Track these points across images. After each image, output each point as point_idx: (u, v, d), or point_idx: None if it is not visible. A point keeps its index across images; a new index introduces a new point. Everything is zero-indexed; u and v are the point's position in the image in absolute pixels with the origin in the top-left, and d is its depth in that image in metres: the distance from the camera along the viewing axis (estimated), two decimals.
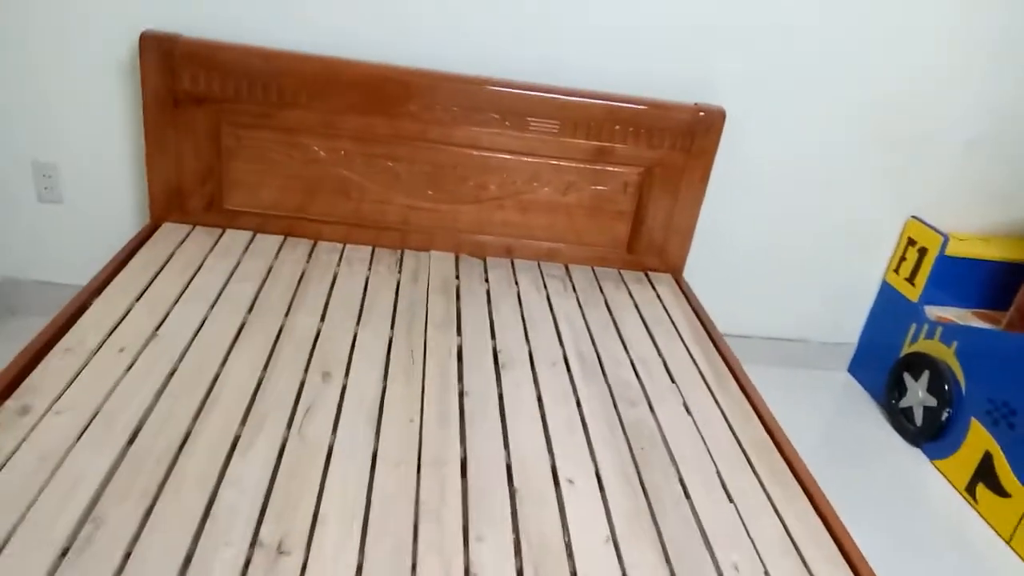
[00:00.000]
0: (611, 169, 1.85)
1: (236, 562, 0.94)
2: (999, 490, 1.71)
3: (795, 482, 1.26)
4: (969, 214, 2.07)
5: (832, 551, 1.12)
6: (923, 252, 2.01)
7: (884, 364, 2.12)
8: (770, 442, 1.36)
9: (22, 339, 1.85)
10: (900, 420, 2.03)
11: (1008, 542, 1.68)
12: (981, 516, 1.76)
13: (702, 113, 1.82)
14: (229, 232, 1.80)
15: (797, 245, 2.13)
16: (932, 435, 1.92)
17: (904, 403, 2.03)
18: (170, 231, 1.76)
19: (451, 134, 1.77)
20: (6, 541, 0.91)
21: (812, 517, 1.19)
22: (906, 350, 2.05)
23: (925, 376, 1.95)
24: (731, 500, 1.20)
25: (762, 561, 1.08)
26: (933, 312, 2.00)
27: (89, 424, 1.12)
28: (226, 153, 1.75)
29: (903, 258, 2.09)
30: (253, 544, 0.97)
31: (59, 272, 1.91)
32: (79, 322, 1.36)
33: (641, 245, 1.94)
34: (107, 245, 1.87)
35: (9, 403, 1.13)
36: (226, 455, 1.11)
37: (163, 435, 1.12)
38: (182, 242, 1.72)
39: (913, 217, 2.07)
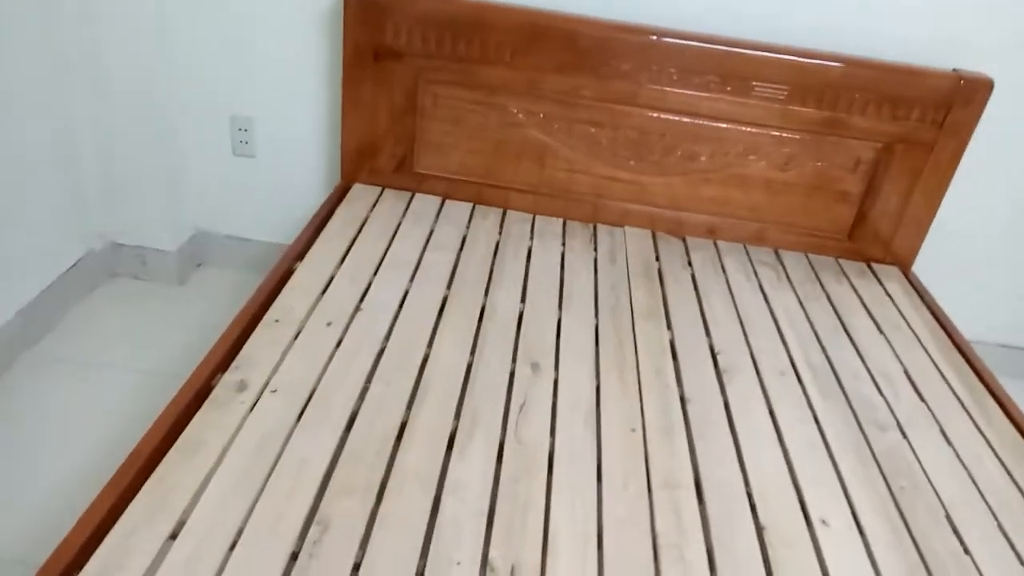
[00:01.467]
0: (842, 143, 1.62)
1: None
2: None
3: None
4: None
5: None
6: None
7: None
8: None
9: (210, 290, 1.88)
10: None
11: None
12: None
13: (963, 81, 1.54)
14: (419, 196, 1.72)
15: None
16: None
17: None
18: (362, 193, 1.70)
19: (664, 98, 1.59)
20: (239, 534, 0.87)
21: None
22: None
23: None
24: (1014, 550, 1.00)
25: None
26: None
27: (306, 406, 1.06)
28: (421, 112, 1.66)
29: None
30: (484, 566, 0.88)
31: (248, 228, 1.90)
32: (285, 290, 1.31)
33: (866, 232, 1.70)
34: (296, 203, 1.84)
35: (227, 376, 1.10)
36: (444, 453, 1.03)
37: (379, 423, 1.05)
38: (375, 205, 1.66)
39: None
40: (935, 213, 1.66)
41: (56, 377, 1.56)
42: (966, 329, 1.61)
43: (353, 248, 1.47)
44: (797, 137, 1.62)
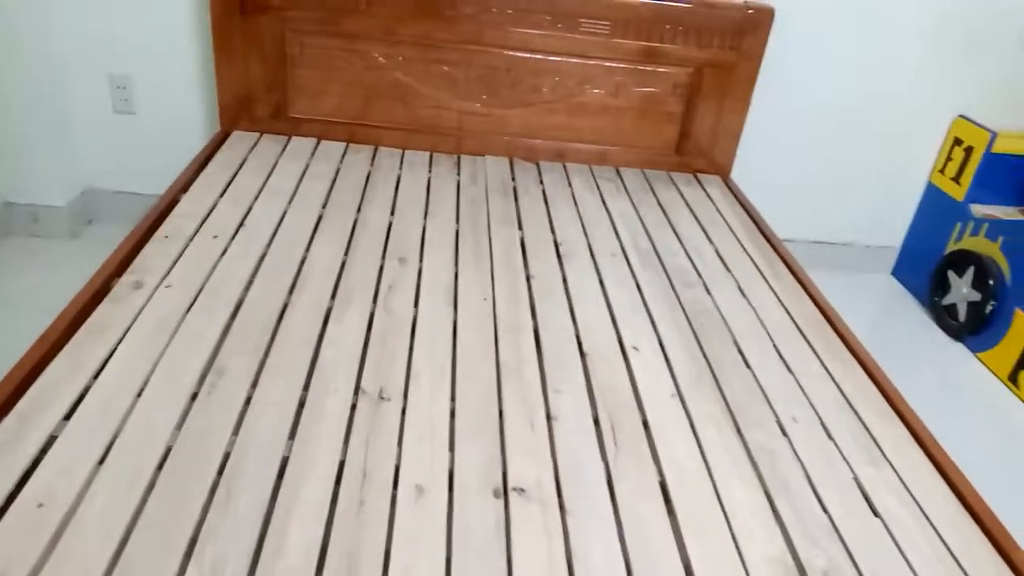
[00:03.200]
0: (661, 70, 1.89)
1: (344, 406, 1.05)
2: None
3: (849, 354, 1.34)
4: (1018, 112, 2.08)
5: (885, 408, 1.21)
6: (969, 151, 2.03)
7: (927, 265, 2.17)
8: (823, 320, 1.43)
9: (102, 246, 1.97)
10: (943, 317, 2.09)
11: None
12: (1021, 400, 1.83)
13: (750, 11, 1.84)
14: (295, 139, 1.88)
15: (842, 148, 2.16)
16: (975, 329, 1.97)
17: (947, 300, 2.08)
18: (240, 138, 1.85)
19: (506, 37, 1.82)
20: (143, 386, 1.03)
21: (866, 383, 1.27)
22: (951, 248, 2.09)
23: (970, 272, 2.00)
24: (788, 368, 1.28)
25: (819, 416, 1.17)
26: (979, 210, 2.03)
27: (197, 296, 1.23)
28: (290, 61, 1.82)
29: (949, 158, 2.11)
30: (357, 392, 1.08)
31: (134, 182, 2.01)
32: (173, 213, 1.46)
33: (690, 147, 1.99)
34: (179, 154, 1.95)
35: (123, 279, 1.25)
36: (322, 323, 1.22)
37: (264, 306, 1.23)
38: (253, 147, 1.81)
39: (960, 116, 2.08)
40: (743, 126, 1.96)
41: None
42: (779, 228, 1.91)
43: (234, 181, 1.63)
44: (623, 66, 1.89)
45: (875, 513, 1.00)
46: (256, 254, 1.37)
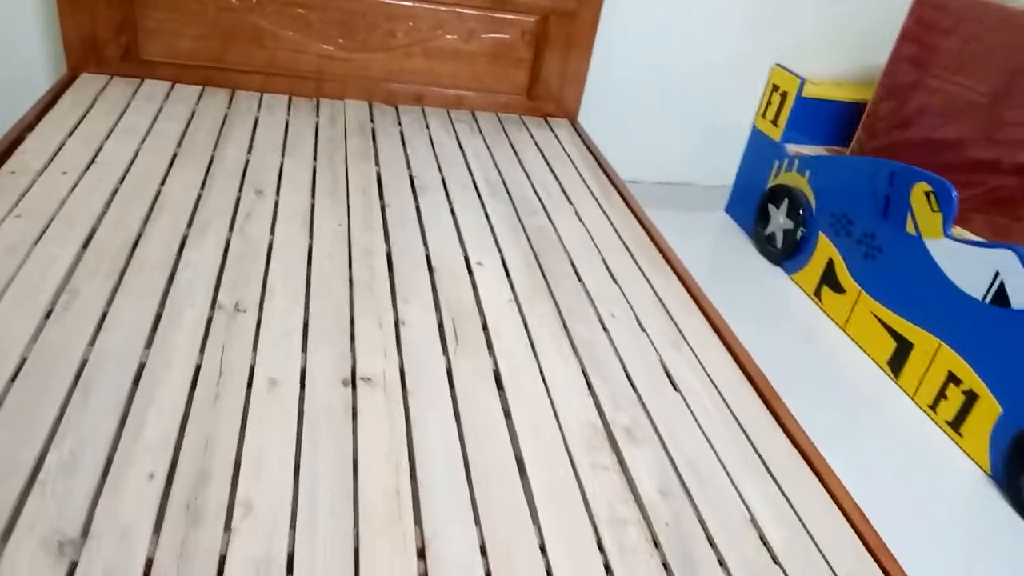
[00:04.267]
0: (510, 17, 2.01)
1: (201, 318, 1.11)
2: (837, 288, 2.06)
3: (665, 263, 1.52)
4: (828, 61, 2.35)
5: (692, 307, 1.40)
6: (784, 96, 2.29)
7: (754, 200, 2.42)
8: (647, 239, 1.62)
9: None
10: (765, 245, 2.36)
11: (843, 327, 2.04)
12: (824, 312, 2.12)
13: None
14: (148, 82, 1.87)
15: (678, 94, 2.36)
16: (790, 253, 2.24)
17: (768, 230, 2.35)
18: (88, 81, 1.82)
19: None
20: None
21: (678, 286, 1.46)
22: (770, 184, 2.35)
23: (785, 204, 2.26)
24: (612, 277, 1.45)
25: (635, 312, 1.34)
26: (792, 149, 2.29)
27: (49, 225, 1.25)
28: (139, 2, 1.80)
29: (768, 103, 2.36)
30: (213, 306, 1.15)
31: None
32: (18, 150, 1.45)
33: (540, 92, 2.13)
34: (27, 101, 1.90)
35: None
36: (178, 249, 1.27)
37: (118, 234, 1.27)
38: (102, 90, 1.79)
39: (777, 65, 2.33)
40: (587, 70, 2.12)
41: None
42: (625, 170, 2.09)
43: (83, 122, 1.62)
44: (475, 13, 1.99)
45: (675, 387, 1.18)
46: (108, 189, 1.39)
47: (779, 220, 2.29)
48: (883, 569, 0.89)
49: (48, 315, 1.07)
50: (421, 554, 0.83)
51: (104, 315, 1.09)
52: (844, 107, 2.28)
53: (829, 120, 2.30)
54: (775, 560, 0.90)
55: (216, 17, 1.85)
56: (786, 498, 1.00)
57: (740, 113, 2.44)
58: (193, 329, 1.09)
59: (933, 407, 1.75)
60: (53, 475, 0.83)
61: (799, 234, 2.19)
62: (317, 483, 0.89)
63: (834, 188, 2.09)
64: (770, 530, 0.94)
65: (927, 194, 1.78)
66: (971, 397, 1.64)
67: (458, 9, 1.97)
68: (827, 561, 0.91)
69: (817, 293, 2.14)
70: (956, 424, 1.68)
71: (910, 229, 1.83)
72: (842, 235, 2.05)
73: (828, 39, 2.33)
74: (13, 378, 0.95)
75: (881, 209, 1.92)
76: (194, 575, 0.76)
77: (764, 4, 2.25)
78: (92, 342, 1.03)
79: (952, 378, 1.69)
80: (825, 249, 2.12)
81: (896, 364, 1.86)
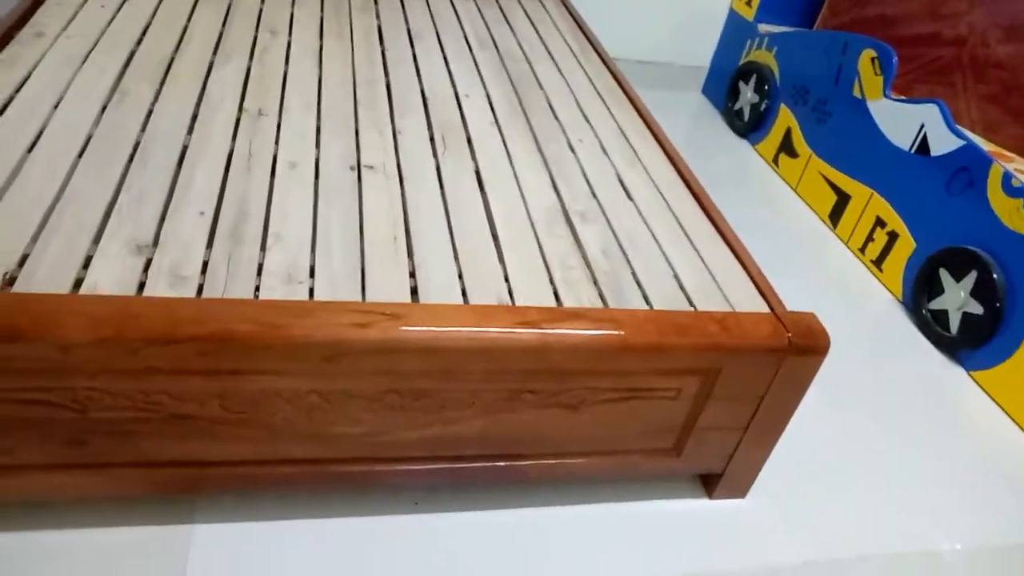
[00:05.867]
0: None
1: (230, 118, 1.33)
2: (792, 153, 2.28)
3: (631, 106, 1.74)
4: None
5: (650, 139, 1.62)
6: None
7: (727, 80, 2.61)
8: (617, 87, 1.82)
9: None
10: (733, 120, 2.56)
11: (795, 188, 2.27)
12: (780, 176, 2.34)
13: None
14: None
15: None
16: (754, 126, 2.45)
17: (737, 106, 2.54)
18: None
19: None
20: (60, 99, 1.27)
21: (640, 124, 1.67)
22: (741, 62, 2.54)
23: (753, 80, 2.45)
24: (583, 113, 1.66)
25: (600, 140, 1.56)
26: (764, 28, 2.47)
27: (95, 44, 1.45)
28: None
29: None
30: (240, 110, 1.36)
31: None
32: None
33: None
34: None
35: (25, 30, 1.44)
36: (206, 70, 1.47)
37: (154, 55, 1.47)
38: None
39: None
40: None
41: None
42: (607, 47, 2.26)
43: None
44: None
45: (624, 190, 1.41)
46: (142, 22, 1.59)
47: (747, 96, 2.48)
48: (766, 300, 1.14)
49: (104, 108, 1.28)
50: (412, 274, 1.07)
51: (150, 111, 1.30)
52: None
53: (798, 2, 2.46)
54: (685, 295, 1.15)
55: None
56: (701, 259, 1.24)
57: None
58: (225, 125, 1.31)
59: (862, 249, 2.00)
60: (126, 207, 1.07)
61: (763, 107, 2.40)
62: (330, 226, 1.13)
63: (796, 62, 2.29)
64: (685, 278, 1.19)
65: (872, 60, 1.98)
66: (892, 237, 1.88)
67: None
68: (723, 293, 1.16)
69: (775, 160, 2.36)
70: (879, 261, 1.93)
71: (856, 93, 2.04)
72: (800, 104, 2.25)
73: None
74: (81, 153, 1.18)
75: (834, 77, 2.12)
76: (240, 272, 1.00)
77: None
78: (143, 128, 1.25)
79: (879, 222, 1.93)
80: (785, 119, 2.32)
81: (835, 215, 2.10)
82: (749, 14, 2.50)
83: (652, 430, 1.12)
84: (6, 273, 0.91)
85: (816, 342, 1.06)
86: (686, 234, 1.30)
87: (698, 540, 1.21)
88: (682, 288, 1.16)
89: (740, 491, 1.27)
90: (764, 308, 1.14)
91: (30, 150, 1.14)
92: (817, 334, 1.06)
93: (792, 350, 1.05)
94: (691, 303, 1.13)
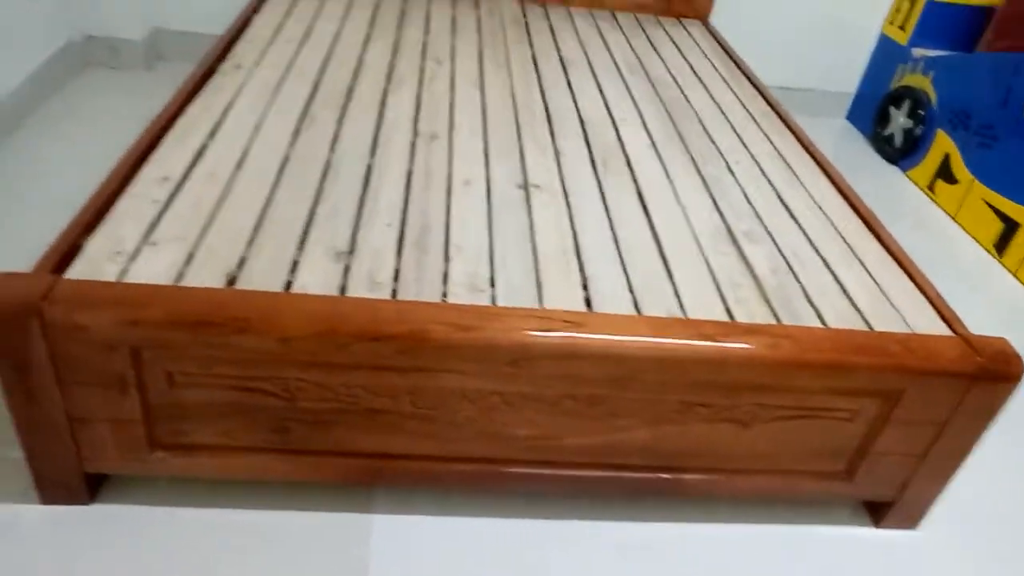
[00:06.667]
0: None
1: (406, 141, 1.43)
2: (951, 179, 2.17)
3: (787, 130, 1.72)
4: None
5: (809, 161, 1.60)
6: (913, 2, 2.37)
7: (875, 105, 2.53)
8: (773, 113, 1.81)
9: (175, 79, 2.32)
10: (883, 146, 2.47)
11: (953, 216, 2.16)
12: (936, 203, 2.23)
13: None
14: None
15: (806, 3, 2.48)
16: (906, 152, 2.35)
17: (887, 131, 2.45)
18: None
19: None
20: (260, 120, 1.41)
21: (797, 146, 1.65)
22: (893, 86, 2.45)
23: (907, 104, 2.36)
24: (739, 136, 1.66)
25: (757, 163, 1.56)
26: (918, 52, 2.38)
27: (285, 75, 1.60)
28: None
29: (897, 9, 2.44)
30: (415, 133, 1.46)
31: (199, 22, 2.34)
32: (250, 25, 1.81)
33: None
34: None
35: (226, 63, 1.61)
36: (381, 95, 1.59)
37: (336, 84, 1.60)
38: None
39: None
40: None
41: (64, 128, 2.00)
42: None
43: (292, 10, 1.97)
44: None
45: (788, 210, 1.39)
46: (323, 54, 1.73)
47: (899, 120, 2.39)
48: (947, 323, 1.10)
49: (297, 131, 1.41)
50: (585, 286, 1.11)
51: (336, 134, 1.42)
52: (971, 11, 2.34)
53: (955, 25, 2.36)
54: (861, 315, 1.12)
55: None
56: (874, 280, 1.21)
57: (866, 20, 2.53)
58: (402, 146, 1.41)
59: None
60: (323, 219, 1.17)
61: (917, 132, 2.30)
62: (505, 239, 1.18)
63: (957, 86, 2.19)
64: (859, 298, 1.16)
65: None
66: None
67: None
68: (900, 315, 1.12)
69: (931, 186, 2.26)
70: None
71: None
72: (960, 129, 2.15)
73: None
74: (281, 170, 1.30)
75: (1002, 100, 2.01)
76: (427, 279, 1.07)
77: None
78: (331, 149, 1.37)
79: None
80: (942, 144, 2.22)
81: (1002, 244, 1.98)
82: (902, 38, 2.42)
83: (823, 452, 1.10)
84: (228, 274, 1.01)
85: (1009, 368, 1.01)
86: (856, 255, 1.28)
87: (863, 570, 1.16)
88: (856, 308, 1.14)
89: (911, 521, 1.21)
90: (946, 331, 1.10)
91: (239, 166, 1.27)
92: (1010, 359, 1.01)
93: (982, 375, 1.00)
94: (867, 323, 1.10)
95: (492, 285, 1.08)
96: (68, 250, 0.98)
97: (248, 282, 1.00)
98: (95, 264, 0.97)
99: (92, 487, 1.05)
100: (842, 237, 1.33)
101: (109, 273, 0.96)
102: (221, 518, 1.07)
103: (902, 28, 2.43)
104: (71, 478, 1.00)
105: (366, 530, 1.09)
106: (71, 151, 1.89)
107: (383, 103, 1.56)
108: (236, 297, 0.92)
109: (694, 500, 1.22)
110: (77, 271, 0.95)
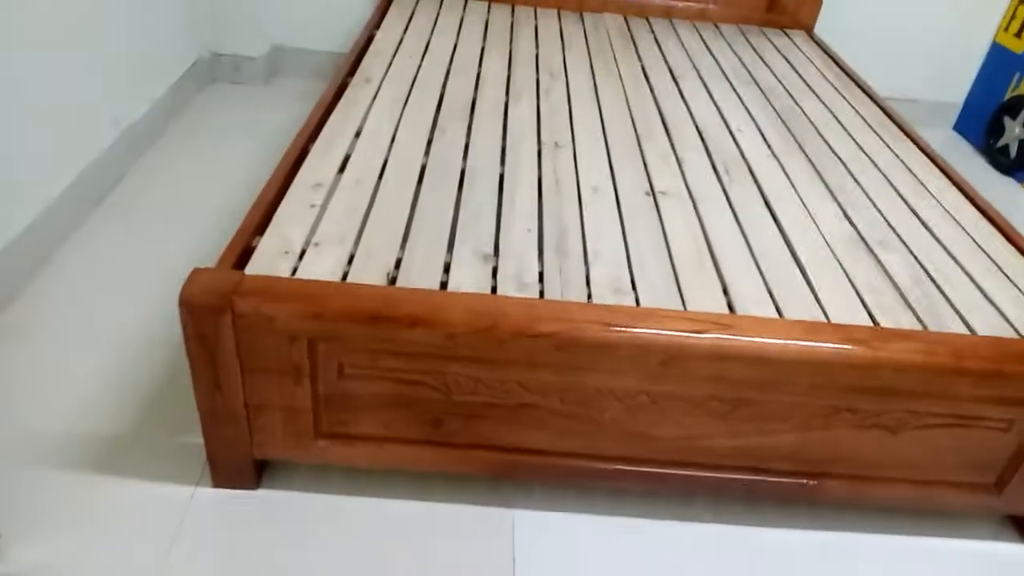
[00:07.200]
0: None
1: (533, 150, 1.47)
2: None
3: (907, 139, 1.70)
4: None
5: (934, 170, 1.57)
6: None
7: (987, 116, 2.45)
8: (887, 119, 1.79)
9: (290, 91, 2.44)
10: (997, 157, 2.40)
11: None
12: None
13: None
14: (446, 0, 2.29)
15: (912, 12, 2.44)
16: (1022, 163, 2.28)
17: (1001, 142, 2.38)
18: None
19: None
20: (395, 131, 1.47)
21: (920, 156, 1.63)
22: (1008, 96, 2.38)
23: (1023, 115, 2.29)
24: (858, 145, 1.65)
25: (881, 171, 1.54)
26: None
27: (411, 88, 1.67)
28: None
29: (1013, 16, 2.37)
30: (539, 142, 1.50)
31: (314, 40, 2.45)
32: (373, 40, 1.89)
33: (778, 6, 2.32)
34: (351, 15, 2.39)
35: (356, 76, 1.69)
36: (503, 107, 1.64)
37: (459, 97, 1.66)
38: (416, 3, 2.22)
39: None
40: None
41: (197, 140, 2.12)
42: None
43: (410, 25, 2.05)
44: None
45: (920, 220, 1.38)
46: (443, 67, 1.80)
47: (1015, 131, 2.32)
48: None
49: (429, 142, 1.47)
50: (725, 291, 1.12)
51: (467, 144, 1.47)
52: None
53: None
54: (1011, 326, 1.10)
55: None
56: (1020, 291, 1.18)
57: (977, 29, 2.47)
58: (529, 155, 1.45)
59: None
60: (467, 223, 1.22)
61: None
62: (640, 244, 1.21)
63: None
64: (1007, 309, 1.14)
65: None
66: None
67: None
68: None
69: None
70: None
71: None
72: None
73: None
74: (420, 178, 1.35)
75: None
76: (572, 282, 1.10)
77: None
78: (464, 158, 1.42)
79: None
80: None
81: None
82: (1018, 46, 2.35)
83: (973, 462, 1.08)
84: (388, 273, 1.07)
85: None
86: (997, 265, 1.25)
87: None
88: (1005, 318, 1.12)
89: None
90: None
91: (381, 174, 1.33)
92: None
93: None
94: (1018, 332, 1.08)
95: (634, 288, 1.11)
96: (243, 250, 1.05)
97: (407, 281, 1.05)
98: (270, 262, 1.04)
99: (259, 473, 1.11)
100: (981, 247, 1.31)
101: (283, 270, 1.02)
102: (374, 507, 1.12)
103: (1017, 36, 2.36)
104: (242, 463, 1.07)
105: (510, 524, 1.13)
106: (207, 161, 2.01)
107: (505, 114, 1.61)
108: (406, 295, 0.98)
109: (835, 507, 1.21)
110: (255, 267, 1.02)
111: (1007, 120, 2.36)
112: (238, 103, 2.33)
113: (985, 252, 1.30)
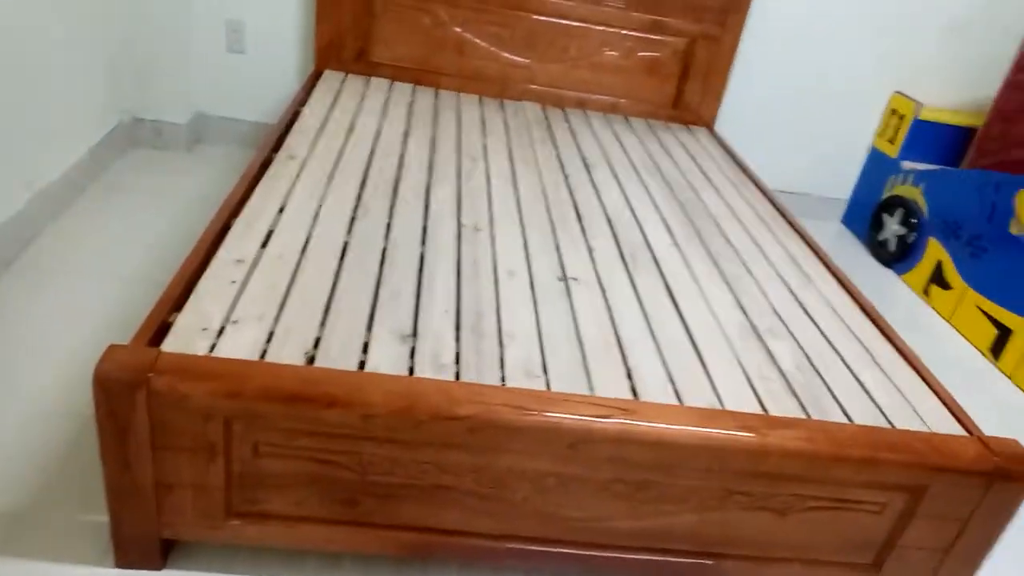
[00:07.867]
0: (664, 39, 2.41)
1: (452, 232, 1.54)
2: (945, 285, 2.32)
3: (795, 233, 1.86)
4: (943, 90, 2.63)
5: (818, 264, 1.72)
6: (902, 119, 2.57)
7: (869, 212, 2.70)
8: (779, 215, 1.95)
9: (213, 160, 2.44)
10: (878, 250, 2.63)
11: (948, 319, 2.29)
12: (931, 306, 2.37)
13: None
14: (373, 79, 2.37)
15: (803, 115, 2.69)
16: (901, 256, 2.51)
17: (881, 236, 2.62)
18: (331, 76, 2.33)
19: (542, 5, 2.33)
20: (319, 208, 1.51)
21: (806, 249, 1.79)
22: (885, 195, 2.63)
23: (899, 213, 2.53)
24: (752, 238, 1.79)
25: (771, 263, 1.68)
26: (907, 165, 2.57)
27: (336, 165, 1.71)
28: (374, 15, 2.31)
29: (887, 125, 2.65)
30: (459, 225, 1.57)
31: (239, 110, 2.48)
32: (299, 117, 1.94)
33: (683, 103, 2.51)
34: (278, 88, 2.44)
35: (280, 153, 1.72)
36: (425, 190, 1.70)
37: (383, 177, 1.72)
38: (343, 82, 2.29)
39: (897, 92, 2.62)
40: (725, 86, 2.48)
41: (114, 205, 2.09)
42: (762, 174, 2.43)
43: (336, 103, 2.11)
44: (635, 34, 2.40)
45: (804, 311, 1.51)
46: (368, 147, 1.86)
47: (892, 227, 2.56)
48: (961, 423, 1.19)
49: (352, 220, 1.51)
50: (629, 375, 1.20)
51: (389, 223, 1.52)
52: (955, 131, 2.55)
53: (941, 142, 2.57)
54: (882, 413, 1.21)
55: (430, 30, 2.33)
56: (890, 380, 1.31)
57: (858, 134, 2.74)
58: (449, 237, 1.51)
59: None
60: (386, 303, 1.25)
61: (911, 239, 2.46)
62: (552, 328, 1.27)
63: (945, 198, 2.36)
64: (879, 397, 1.25)
65: None
66: None
67: (622, 31, 2.39)
68: (918, 414, 1.22)
69: (925, 291, 2.40)
70: None
71: (1013, 230, 2.09)
72: (952, 239, 2.31)
73: (945, 71, 2.61)
74: (342, 256, 1.39)
75: (987, 215, 2.18)
76: (486, 364, 1.15)
77: (888, 38, 2.56)
78: (386, 237, 1.47)
79: None
80: (935, 252, 2.38)
81: (997, 349, 2.11)
82: (892, 151, 2.62)
83: (854, 543, 1.16)
84: (307, 352, 1.09)
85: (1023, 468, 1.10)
86: (870, 354, 1.38)
87: None
88: (878, 406, 1.23)
89: None
90: (960, 431, 1.19)
91: (303, 251, 1.36)
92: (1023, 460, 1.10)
93: (999, 474, 1.09)
94: (889, 422, 1.19)
95: (545, 371, 1.17)
96: (160, 326, 1.05)
97: (326, 360, 1.07)
98: (186, 339, 1.04)
99: (164, 553, 1.08)
100: (856, 337, 1.44)
101: (200, 348, 1.03)
102: None
103: (891, 142, 2.63)
104: (149, 543, 1.04)
105: None
106: (124, 226, 1.98)
107: (427, 195, 1.68)
108: (324, 375, 1.00)
109: None
110: (172, 344, 1.02)
111: (886, 217, 2.60)
112: (159, 169, 2.32)
113: (860, 342, 1.43)
